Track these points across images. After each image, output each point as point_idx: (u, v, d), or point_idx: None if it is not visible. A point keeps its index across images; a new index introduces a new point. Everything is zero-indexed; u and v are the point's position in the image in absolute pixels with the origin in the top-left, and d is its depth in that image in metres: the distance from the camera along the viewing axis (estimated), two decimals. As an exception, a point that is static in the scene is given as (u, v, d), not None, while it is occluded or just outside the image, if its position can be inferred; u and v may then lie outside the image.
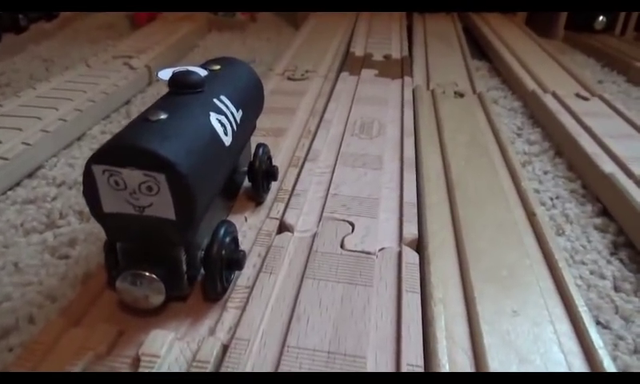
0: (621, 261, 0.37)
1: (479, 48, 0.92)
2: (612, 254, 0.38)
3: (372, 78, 0.65)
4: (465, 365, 0.25)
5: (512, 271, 0.31)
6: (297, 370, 0.23)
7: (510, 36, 0.90)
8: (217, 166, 0.27)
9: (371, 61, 0.73)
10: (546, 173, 0.49)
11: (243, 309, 0.27)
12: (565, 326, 0.27)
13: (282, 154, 0.44)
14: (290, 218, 0.35)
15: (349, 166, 0.42)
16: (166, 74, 0.29)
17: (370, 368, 0.24)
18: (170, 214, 0.23)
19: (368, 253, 0.31)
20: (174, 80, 0.28)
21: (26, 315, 0.30)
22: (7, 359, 0.27)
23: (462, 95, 0.61)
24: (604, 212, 0.42)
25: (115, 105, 0.61)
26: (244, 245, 0.32)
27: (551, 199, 0.44)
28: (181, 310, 0.27)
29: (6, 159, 0.43)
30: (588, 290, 0.34)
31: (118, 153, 0.22)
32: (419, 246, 0.33)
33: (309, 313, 0.26)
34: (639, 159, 0.44)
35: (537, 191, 0.45)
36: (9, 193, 0.43)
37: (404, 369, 0.23)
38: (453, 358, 0.25)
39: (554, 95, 0.61)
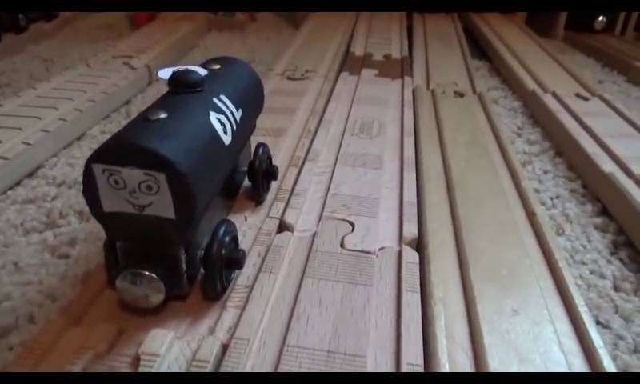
0: (621, 260, 0.37)
1: (479, 48, 0.92)
2: (612, 253, 0.38)
3: (372, 77, 0.65)
4: (465, 364, 0.25)
5: (512, 271, 0.31)
6: (297, 369, 0.23)
7: (509, 36, 0.90)
8: (216, 165, 0.27)
9: (371, 61, 0.73)
10: (546, 172, 0.49)
11: (243, 308, 0.27)
12: (565, 326, 0.27)
13: (282, 154, 0.44)
14: (289, 218, 0.35)
15: (349, 166, 0.42)
16: (165, 74, 0.29)
17: (370, 367, 0.24)
18: (170, 213, 0.23)
19: (368, 252, 0.31)
20: (174, 79, 0.28)
21: (26, 314, 0.30)
22: (7, 358, 0.27)
23: (462, 95, 0.61)
24: (604, 212, 0.42)
25: (115, 104, 0.61)
26: (244, 244, 0.32)
27: (551, 199, 0.44)
28: (180, 310, 0.27)
29: (5, 159, 0.43)
30: (588, 289, 0.34)
31: (117, 152, 0.22)
32: (419, 245, 0.33)
33: (309, 312, 0.26)
34: (639, 159, 0.44)
35: (537, 191, 0.45)
36: (9, 192, 0.43)
37: (404, 368, 0.23)
38: (453, 357, 0.25)
39: (554, 95, 0.61)
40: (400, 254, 0.31)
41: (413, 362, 0.24)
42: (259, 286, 0.28)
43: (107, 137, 0.24)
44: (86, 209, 0.24)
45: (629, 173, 0.42)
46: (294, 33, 0.93)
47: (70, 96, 0.57)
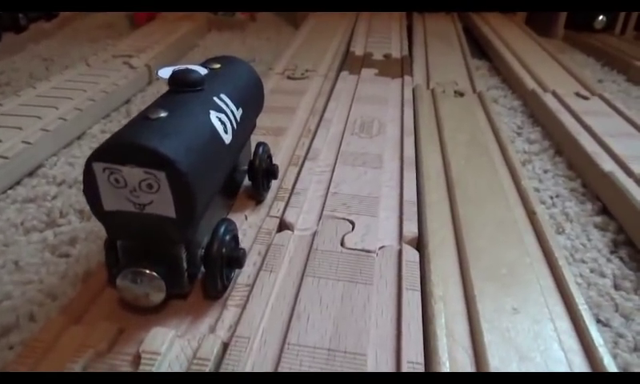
0: (621, 259, 0.37)
1: (479, 47, 0.92)
2: (612, 252, 0.38)
3: (372, 77, 0.65)
4: (465, 362, 0.25)
5: (512, 269, 0.31)
6: (297, 366, 0.23)
7: (509, 35, 0.90)
8: (217, 164, 0.27)
9: (371, 60, 0.73)
10: (545, 171, 0.49)
11: (243, 307, 0.27)
12: (565, 324, 0.27)
13: (282, 153, 0.44)
14: (290, 217, 0.35)
15: (349, 165, 0.42)
16: (166, 73, 0.29)
17: (371, 365, 0.24)
18: (171, 212, 0.24)
19: (368, 251, 0.31)
20: (174, 78, 0.28)
21: (27, 313, 0.30)
22: (8, 357, 0.27)
23: (461, 94, 0.61)
24: (604, 210, 0.42)
25: (115, 104, 0.61)
26: (244, 243, 0.32)
27: (551, 198, 0.44)
28: (181, 308, 0.27)
29: (6, 158, 0.43)
30: (588, 288, 0.34)
31: (118, 150, 0.23)
32: (419, 244, 0.33)
33: (309, 311, 0.26)
34: (639, 158, 0.44)
35: (537, 190, 0.45)
36: (9, 191, 0.43)
37: (404, 366, 0.23)
38: (453, 355, 0.25)
39: (554, 94, 0.61)
40: (400, 252, 0.31)
41: (413, 359, 0.24)
42: (260, 285, 0.28)
43: (107, 136, 0.24)
44: (87, 208, 0.24)
45: (628, 172, 0.42)
46: (293, 32, 0.93)
47: (70, 95, 0.57)
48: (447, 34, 0.92)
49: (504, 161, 0.45)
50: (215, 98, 0.29)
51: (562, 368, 0.24)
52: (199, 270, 0.27)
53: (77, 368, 0.23)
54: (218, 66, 0.33)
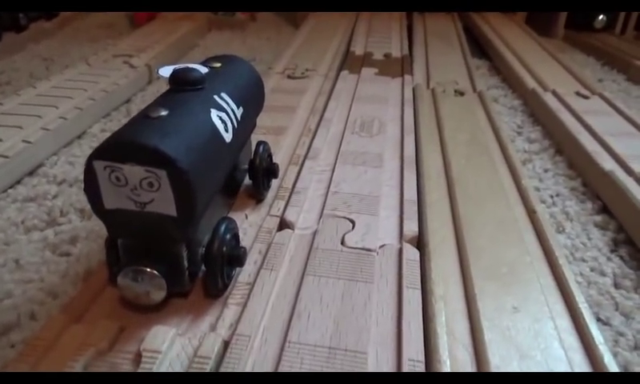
0: (621, 258, 0.37)
1: (479, 47, 0.92)
2: (612, 251, 0.38)
3: (372, 76, 0.65)
4: (465, 361, 0.25)
5: (512, 268, 0.31)
6: (298, 365, 0.23)
7: (510, 35, 0.90)
8: (217, 163, 0.27)
9: (371, 59, 0.73)
10: (546, 171, 0.49)
11: (244, 305, 0.27)
12: (565, 322, 0.27)
13: (283, 152, 0.44)
14: (290, 216, 0.35)
15: (349, 164, 0.42)
16: (166, 71, 0.29)
17: (371, 363, 0.24)
18: (171, 210, 0.24)
19: (369, 250, 0.31)
20: (175, 77, 0.28)
21: (28, 312, 0.30)
22: (9, 356, 0.27)
23: (462, 94, 0.61)
24: (604, 209, 0.42)
25: (115, 103, 0.61)
26: (245, 242, 0.32)
27: (551, 197, 0.44)
28: (182, 307, 0.27)
29: (6, 157, 0.43)
30: (588, 286, 0.34)
31: (119, 149, 0.23)
32: (420, 243, 0.33)
33: (310, 309, 0.26)
34: (639, 157, 0.44)
35: (537, 189, 0.45)
36: (9, 191, 0.43)
37: (405, 364, 0.23)
38: (453, 353, 0.25)
39: (554, 94, 0.61)
40: (401, 251, 0.31)
41: (414, 358, 0.24)
42: (260, 284, 0.28)
43: (107, 135, 0.24)
44: (87, 207, 0.24)
45: (629, 171, 0.42)
46: (293, 32, 0.93)
47: (71, 94, 0.57)
48: (447, 33, 0.92)
49: (504, 160, 0.45)
50: (216, 97, 0.29)
51: (563, 366, 0.24)
52: (200, 268, 0.27)
53: (78, 366, 0.23)
54: (218, 64, 0.33)
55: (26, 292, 0.32)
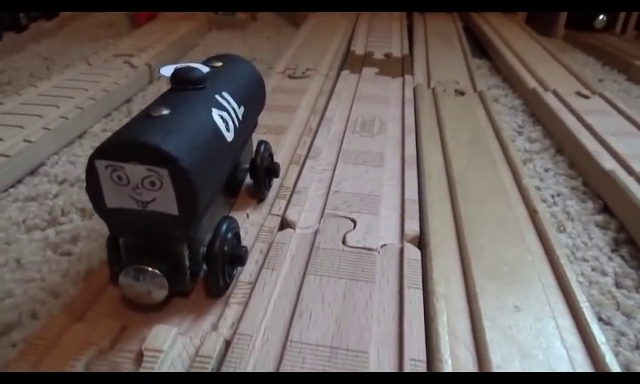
0: (622, 257, 0.37)
1: (480, 46, 0.92)
2: (613, 250, 0.38)
3: (373, 76, 0.65)
4: (467, 360, 0.25)
5: (513, 267, 0.31)
6: (300, 364, 0.23)
7: (510, 34, 0.90)
8: (219, 162, 0.27)
9: (372, 59, 0.73)
10: (547, 170, 0.49)
11: (245, 304, 0.27)
12: (567, 322, 0.27)
13: (284, 152, 0.44)
14: (291, 215, 0.35)
15: (350, 164, 0.42)
16: (167, 71, 0.29)
17: (373, 363, 0.24)
18: (173, 210, 0.24)
19: (370, 249, 0.31)
20: (176, 76, 0.28)
21: (29, 311, 0.30)
22: (10, 354, 0.27)
23: (462, 93, 0.61)
24: (605, 209, 0.42)
25: (116, 103, 0.61)
26: (246, 241, 0.32)
27: (552, 196, 0.44)
28: (183, 306, 0.27)
29: (7, 156, 0.43)
30: (590, 286, 0.34)
31: (120, 148, 0.23)
32: (421, 242, 0.33)
33: (311, 308, 0.26)
34: (639, 156, 0.44)
35: (538, 188, 0.45)
36: (10, 190, 0.43)
37: (406, 363, 0.23)
38: (455, 353, 0.25)
39: (555, 93, 0.61)
40: (402, 251, 0.31)
41: (415, 357, 0.24)
42: (261, 283, 0.28)
43: (108, 135, 0.24)
44: (88, 206, 0.24)
45: (629, 170, 0.42)
46: (294, 32, 0.93)
47: (71, 94, 0.57)
48: (448, 33, 0.92)
49: (505, 160, 0.45)
50: (217, 96, 0.29)
51: (564, 366, 0.24)
52: (201, 267, 0.27)
53: (79, 366, 0.23)
54: (219, 64, 0.33)
55: (28, 291, 0.32)
